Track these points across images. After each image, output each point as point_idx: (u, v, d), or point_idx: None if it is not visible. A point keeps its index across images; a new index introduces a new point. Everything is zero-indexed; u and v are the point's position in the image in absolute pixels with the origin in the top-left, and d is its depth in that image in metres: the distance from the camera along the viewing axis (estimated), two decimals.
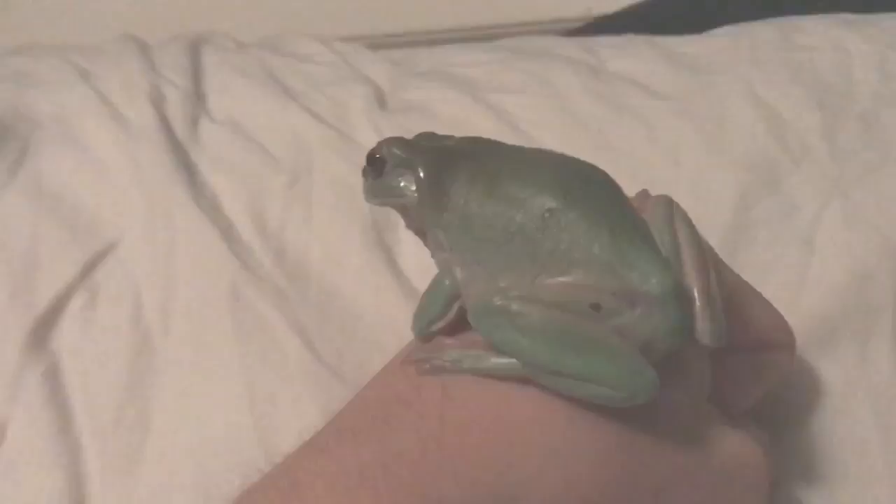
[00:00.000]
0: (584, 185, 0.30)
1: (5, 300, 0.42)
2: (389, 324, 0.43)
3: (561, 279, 0.28)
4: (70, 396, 0.40)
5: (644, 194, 0.34)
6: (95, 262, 0.44)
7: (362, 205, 0.47)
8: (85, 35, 0.61)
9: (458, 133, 0.52)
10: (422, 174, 0.30)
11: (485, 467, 0.26)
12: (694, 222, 0.44)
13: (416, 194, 0.31)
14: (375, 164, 0.32)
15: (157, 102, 0.52)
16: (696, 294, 0.28)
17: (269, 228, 0.46)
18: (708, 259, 0.30)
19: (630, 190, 0.48)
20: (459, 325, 0.30)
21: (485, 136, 0.51)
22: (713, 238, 0.44)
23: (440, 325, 0.30)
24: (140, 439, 0.39)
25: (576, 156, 0.50)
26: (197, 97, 0.54)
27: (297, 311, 0.43)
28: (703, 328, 0.28)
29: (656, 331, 0.27)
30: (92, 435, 0.39)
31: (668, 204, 0.31)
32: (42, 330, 0.42)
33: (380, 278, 0.44)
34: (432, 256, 0.31)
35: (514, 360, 0.27)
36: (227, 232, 0.45)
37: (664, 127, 0.51)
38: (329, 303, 0.44)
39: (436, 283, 0.31)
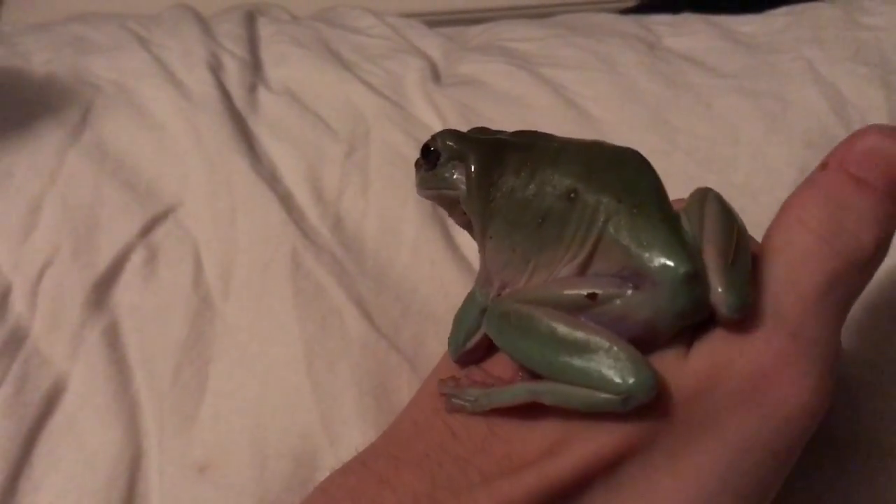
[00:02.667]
0: (613, 165, 0.30)
1: (68, 258, 0.43)
2: (443, 296, 0.43)
3: (570, 264, 0.28)
4: (129, 354, 0.40)
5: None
6: (155, 223, 0.45)
7: None
8: (139, 6, 0.62)
9: (513, 107, 0.52)
10: (473, 166, 0.30)
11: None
12: (753, 198, 0.43)
13: (465, 186, 0.31)
14: (429, 156, 0.32)
15: (216, 70, 0.52)
16: (713, 267, 0.27)
17: (326, 198, 0.47)
18: (736, 234, 0.29)
19: (686, 166, 0.48)
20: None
21: (540, 111, 0.52)
22: (772, 215, 0.44)
23: (476, 339, 0.30)
24: (196, 398, 0.39)
25: (633, 131, 0.50)
26: (254, 67, 0.54)
27: (354, 281, 0.43)
28: (721, 299, 0.27)
29: (660, 311, 0.27)
30: (149, 392, 0.39)
31: (702, 191, 0.30)
32: (103, 287, 0.42)
33: (435, 250, 0.44)
34: (479, 252, 0.31)
35: (520, 388, 0.27)
36: (286, 200, 0.46)
37: (723, 104, 0.51)
38: (385, 274, 0.44)
39: (469, 297, 0.31)
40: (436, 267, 0.44)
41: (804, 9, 0.58)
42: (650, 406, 0.26)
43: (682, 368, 0.27)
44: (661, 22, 0.60)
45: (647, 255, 0.27)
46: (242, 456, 0.38)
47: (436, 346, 0.41)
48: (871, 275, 0.30)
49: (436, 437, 0.28)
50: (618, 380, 0.25)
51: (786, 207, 0.31)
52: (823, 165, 0.31)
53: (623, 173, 0.29)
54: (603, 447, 0.26)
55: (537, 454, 0.26)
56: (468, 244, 0.45)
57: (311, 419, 0.38)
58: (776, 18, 0.58)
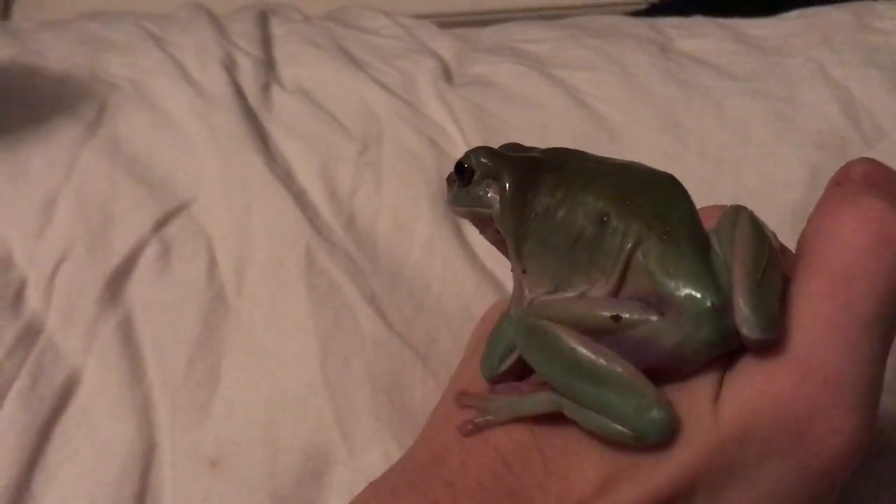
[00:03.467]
0: (646, 190, 0.29)
1: (83, 253, 0.43)
2: (456, 294, 0.43)
3: (602, 289, 0.28)
4: (142, 348, 0.41)
5: (717, 208, 0.32)
6: (169, 218, 0.45)
7: (430, 175, 0.48)
8: (150, 5, 0.63)
9: (525, 108, 0.52)
10: (507, 185, 0.30)
11: None
12: (763, 201, 0.43)
13: (499, 205, 0.30)
14: (463, 173, 0.31)
15: (230, 69, 0.53)
16: (739, 287, 0.26)
17: (339, 196, 0.47)
18: (767, 254, 0.28)
19: (697, 168, 0.48)
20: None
21: (552, 111, 0.52)
22: (783, 217, 0.44)
23: (511, 360, 0.29)
24: (209, 393, 0.39)
25: (644, 133, 0.50)
26: (268, 65, 0.55)
27: (368, 279, 0.43)
28: (746, 320, 0.26)
29: (685, 340, 0.26)
30: (162, 386, 0.39)
31: (736, 209, 0.30)
32: (117, 282, 0.42)
33: (447, 248, 0.45)
34: (511, 270, 0.31)
35: (544, 396, 0.27)
36: (300, 198, 0.46)
37: (734, 106, 0.51)
38: (397, 271, 0.44)
39: (503, 318, 0.31)
40: (448, 265, 0.44)
41: (815, 12, 0.59)
42: (692, 450, 0.25)
43: (716, 412, 0.26)
44: (672, 24, 0.60)
45: (673, 283, 0.27)
46: (254, 450, 0.38)
47: (448, 343, 0.41)
48: None
49: (488, 464, 0.27)
50: (633, 417, 0.25)
51: (818, 216, 0.28)
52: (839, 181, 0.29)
53: (656, 198, 0.29)
54: (652, 489, 0.25)
55: (589, 493, 0.26)
56: (480, 242, 0.45)
57: (323, 415, 0.39)
58: (787, 21, 0.59)
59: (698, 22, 0.60)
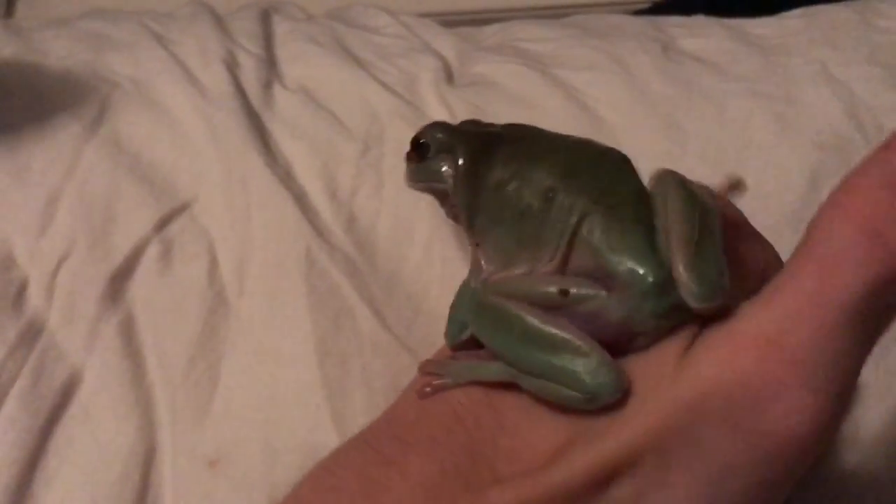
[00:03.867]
0: (594, 167, 0.30)
1: (84, 252, 0.43)
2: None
3: (549, 264, 0.28)
4: (143, 347, 0.41)
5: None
6: (170, 217, 0.45)
7: None
8: (151, 3, 0.63)
9: (525, 109, 0.52)
10: (461, 160, 0.31)
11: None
12: (764, 201, 0.43)
13: (453, 180, 0.31)
14: (419, 149, 0.32)
15: (232, 68, 0.53)
16: (678, 258, 0.27)
17: (340, 196, 0.47)
18: (699, 218, 0.28)
19: (697, 169, 0.48)
20: None
21: (552, 113, 0.52)
22: (783, 217, 0.44)
23: (471, 330, 0.30)
24: (208, 392, 0.40)
25: (644, 135, 0.50)
26: (269, 64, 0.55)
27: (366, 280, 0.43)
28: (687, 290, 0.26)
29: (632, 314, 0.27)
30: (163, 386, 0.40)
31: (662, 176, 0.30)
32: (118, 281, 0.43)
33: (447, 249, 0.45)
34: (469, 244, 0.32)
35: (501, 366, 0.28)
36: (301, 199, 0.46)
37: (735, 107, 0.51)
38: (397, 273, 0.44)
39: (462, 288, 0.31)
40: (448, 266, 0.44)
41: (818, 11, 0.58)
42: (646, 413, 0.26)
43: (676, 378, 0.26)
44: (674, 23, 0.60)
45: (616, 259, 0.27)
46: (253, 450, 0.38)
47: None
48: None
49: (442, 420, 0.28)
50: (583, 379, 0.26)
51: (830, 195, 0.26)
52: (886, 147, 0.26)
53: (603, 175, 0.30)
54: (605, 452, 0.25)
55: (543, 455, 0.26)
56: None
57: (321, 415, 0.39)
58: (790, 21, 0.59)
59: (700, 21, 0.60)
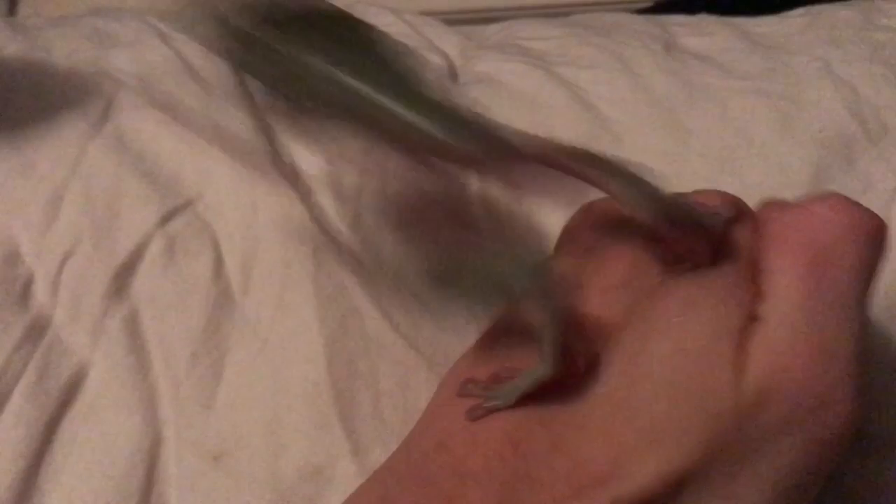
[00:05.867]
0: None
1: (89, 249, 0.43)
2: None
3: None
4: (148, 343, 0.41)
5: (717, 194, 0.35)
6: (174, 213, 0.45)
7: None
8: (156, 1, 0.63)
9: (529, 107, 0.52)
10: None
11: None
12: (765, 194, 0.43)
13: None
14: None
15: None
16: None
17: (345, 195, 0.47)
18: None
19: (700, 168, 0.48)
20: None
21: (556, 111, 0.52)
22: None
23: None
24: (212, 388, 0.40)
25: (647, 133, 0.50)
26: None
27: (374, 280, 0.43)
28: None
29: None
30: (167, 381, 0.40)
31: None
32: (123, 277, 0.43)
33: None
34: None
35: (534, 367, 0.28)
36: (307, 197, 0.46)
37: (738, 106, 0.51)
38: (404, 272, 0.44)
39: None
40: None
41: (821, 10, 0.59)
42: (707, 425, 0.26)
43: (736, 382, 0.27)
44: (677, 22, 0.60)
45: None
46: (257, 445, 0.38)
47: (455, 345, 0.41)
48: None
49: (494, 447, 0.27)
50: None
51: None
52: None
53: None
54: (669, 466, 0.25)
55: (601, 471, 0.26)
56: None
57: (328, 414, 0.39)
58: (793, 20, 0.59)
59: (704, 20, 0.60)
